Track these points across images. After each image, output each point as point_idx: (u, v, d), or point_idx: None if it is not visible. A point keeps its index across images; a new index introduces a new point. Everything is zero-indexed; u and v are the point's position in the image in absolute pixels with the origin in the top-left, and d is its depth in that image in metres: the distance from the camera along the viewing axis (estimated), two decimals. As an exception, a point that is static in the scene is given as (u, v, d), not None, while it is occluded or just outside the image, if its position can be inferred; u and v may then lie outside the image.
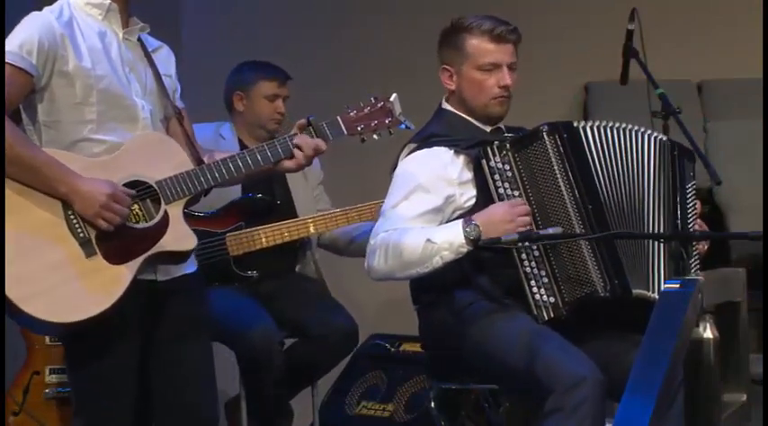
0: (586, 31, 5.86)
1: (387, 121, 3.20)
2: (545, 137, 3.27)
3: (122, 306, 2.91)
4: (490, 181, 3.26)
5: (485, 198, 3.28)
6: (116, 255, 2.94)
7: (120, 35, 3.10)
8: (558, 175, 3.26)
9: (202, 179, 3.05)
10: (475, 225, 3.18)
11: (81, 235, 2.93)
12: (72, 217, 2.93)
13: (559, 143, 3.27)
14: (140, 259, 2.95)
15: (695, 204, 3.42)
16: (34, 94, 3.00)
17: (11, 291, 2.84)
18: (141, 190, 3.00)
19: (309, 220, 4.25)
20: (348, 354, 4.49)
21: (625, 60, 3.50)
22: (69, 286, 2.89)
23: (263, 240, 4.19)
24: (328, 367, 4.41)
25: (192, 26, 5.75)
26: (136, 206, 2.98)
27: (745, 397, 2.81)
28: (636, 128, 3.36)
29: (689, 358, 2.46)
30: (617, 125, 3.35)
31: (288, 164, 3.14)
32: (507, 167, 3.26)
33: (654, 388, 2.31)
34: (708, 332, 2.49)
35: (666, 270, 3.28)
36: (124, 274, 2.93)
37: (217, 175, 3.06)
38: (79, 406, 3.08)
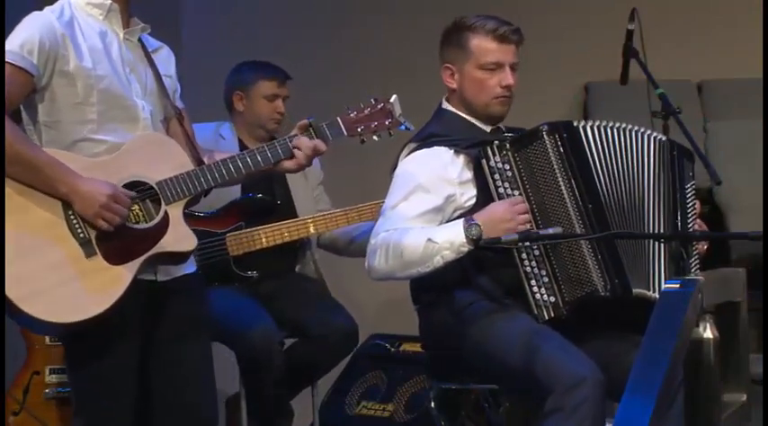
0: (586, 31, 5.85)
1: (387, 123, 3.20)
2: (545, 136, 3.27)
3: (122, 306, 2.91)
4: (490, 180, 3.26)
5: (485, 197, 3.28)
6: (116, 256, 2.93)
7: (121, 35, 3.10)
8: (558, 175, 3.26)
9: (202, 179, 3.05)
10: (476, 224, 3.18)
11: (81, 235, 2.92)
12: (72, 217, 2.92)
13: (559, 143, 3.27)
14: (140, 259, 2.95)
15: (695, 204, 3.42)
16: (35, 94, 3.00)
17: (11, 291, 2.84)
18: (141, 191, 2.99)
19: (309, 220, 4.25)
20: (348, 354, 4.49)
21: (625, 60, 3.50)
22: (69, 286, 2.89)
23: (263, 240, 4.18)
24: (328, 367, 4.41)
25: (191, 26, 5.75)
26: (136, 206, 2.98)
27: (745, 397, 2.81)
28: (636, 127, 3.36)
29: (689, 358, 2.45)
30: (617, 125, 3.35)
31: (288, 164, 3.14)
32: (507, 167, 3.26)
33: (654, 388, 2.31)
34: (708, 332, 2.49)
35: (666, 269, 3.28)
36: (124, 275, 2.92)
37: (217, 176, 3.06)
38: (79, 406, 3.08)
